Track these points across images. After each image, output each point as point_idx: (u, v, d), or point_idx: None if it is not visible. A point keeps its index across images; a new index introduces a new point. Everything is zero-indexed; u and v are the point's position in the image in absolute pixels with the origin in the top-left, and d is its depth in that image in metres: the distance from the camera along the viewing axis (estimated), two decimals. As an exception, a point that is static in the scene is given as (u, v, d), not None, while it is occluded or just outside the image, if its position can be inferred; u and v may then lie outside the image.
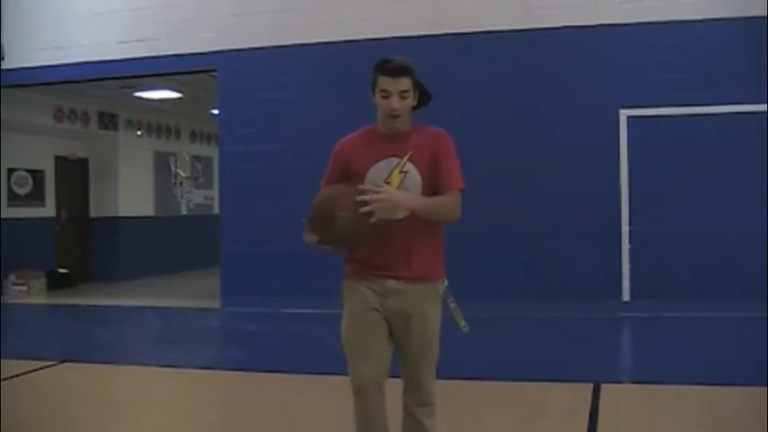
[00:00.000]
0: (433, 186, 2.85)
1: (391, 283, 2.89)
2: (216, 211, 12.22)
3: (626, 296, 8.40)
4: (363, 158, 2.90)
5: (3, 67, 10.20)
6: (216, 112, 10.93)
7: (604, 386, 5.08)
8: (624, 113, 8.43)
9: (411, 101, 2.86)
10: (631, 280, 8.38)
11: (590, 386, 5.04)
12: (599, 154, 8.50)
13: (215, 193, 14.35)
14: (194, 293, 11.19)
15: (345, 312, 2.95)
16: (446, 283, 2.99)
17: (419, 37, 8.60)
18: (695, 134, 8.23)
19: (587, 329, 7.59)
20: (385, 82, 2.82)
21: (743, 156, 8.09)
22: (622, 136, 8.44)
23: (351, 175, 2.91)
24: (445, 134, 2.95)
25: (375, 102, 2.88)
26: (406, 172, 2.86)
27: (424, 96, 2.95)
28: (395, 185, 2.83)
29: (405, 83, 2.83)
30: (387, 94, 2.83)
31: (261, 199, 9.43)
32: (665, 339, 7.11)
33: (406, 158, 2.86)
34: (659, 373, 5.60)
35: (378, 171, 2.87)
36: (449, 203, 2.83)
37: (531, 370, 5.73)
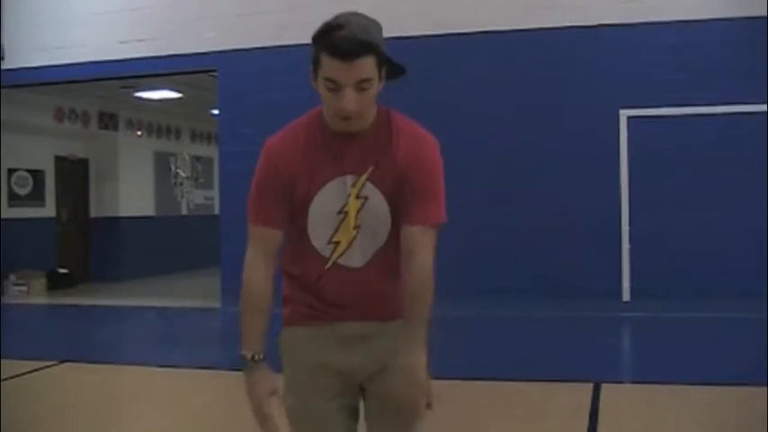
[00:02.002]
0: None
1: (357, 327, 1.97)
2: (216, 211, 12.22)
3: (626, 296, 8.40)
4: (309, 176, 1.90)
5: (3, 67, 10.20)
6: (216, 112, 10.93)
7: (604, 386, 5.08)
8: (624, 113, 8.43)
9: (376, 89, 1.83)
10: (631, 280, 8.38)
11: (590, 386, 5.04)
12: (599, 154, 8.50)
13: (215, 193, 14.33)
14: (194, 293, 11.18)
15: (287, 377, 2.03)
16: None
17: (419, 37, 8.60)
18: (695, 134, 8.23)
19: (587, 329, 7.58)
20: (332, 67, 1.77)
21: (743, 156, 8.09)
22: (622, 136, 8.44)
23: (294, 201, 1.93)
24: (428, 141, 1.94)
25: (316, 89, 1.86)
26: (365, 198, 1.89)
27: (392, 70, 1.90)
28: (352, 217, 1.90)
29: (365, 67, 1.77)
30: (336, 86, 1.78)
31: (261, 199, 9.42)
32: (665, 339, 7.11)
33: (364, 177, 1.89)
34: (659, 373, 5.59)
35: (326, 200, 1.90)
36: (423, 285, 1.84)
37: (532, 370, 5.73)
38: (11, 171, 11.83)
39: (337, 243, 1.93)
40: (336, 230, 1.92)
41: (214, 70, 9.71)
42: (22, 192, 12.10)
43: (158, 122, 14.42)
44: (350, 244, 1.93)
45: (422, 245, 1.86)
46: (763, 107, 7.92)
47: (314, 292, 1.98)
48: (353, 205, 1.90)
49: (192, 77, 10.45)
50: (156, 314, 9.87)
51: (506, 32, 8.68)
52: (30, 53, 10.11)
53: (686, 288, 8.09)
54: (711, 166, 8.19)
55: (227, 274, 9.63)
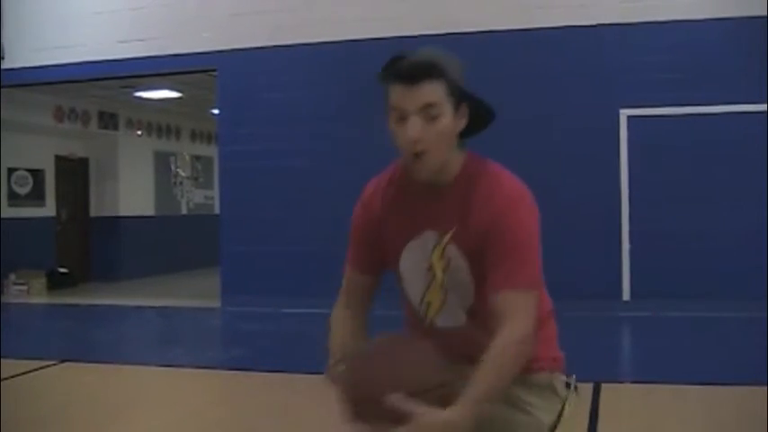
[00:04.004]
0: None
1: None
2: (216, 210, 12.22)
3: (626, 296, 8.40)
4: (397, 228, 1.79)
5: (3, 66, 10.20)
6: (216, 112, 10.93)
7: (604, 386, 5.08)
8: (624, 113, 8.43)
9: (451, 121, 1.67)
10: (631, 280, 8.38)
11: (590, 386, 5.04)
12: (599, 154, 8.50)
13: (215, 192, 14.34)
14: (194, 293, 11.19)
15: None
16: (572, 380, 1.88)
17: (419, 37, 8.59)
18: (695, 134, 8.22)
19: (587, 329, 7.58)
20: (396, 94, 1.66)
21: (743, 156, 8.09)
22: (622, 136, 8.44)
23: (386, 256, 1.83)
24: (523, 202, 1.73)
25: (391, 133, 1.71)
26: (448, 259, 1.74)
27: (479, 111, 1.76)
28: (439, 277, 1.76)
29: (430, 92, 1.64)
30: (402, 115, 1.65)
31: (261, 199, 9.43)
32: (665, 339, 7.11)
33: (447, 237, 1.72)
34: (659, 373, 5.60)
35: (415, 252, 1.77)
36: (504, 353, 1.57)
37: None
38: (11, 170, 11.83)
39: (429, 303, 1.81)
40: (427, 289, 1.80)
41: (214, 70, 9.70)
42: (22, 191, 12.10)
43: (158, 122, 14.42)
44: (441, 302, 1.78)
45: (512, 311, 1.61)
46: (763, 107, 7.92)
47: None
48: (438, 265, 1.75)
49: (192, 77, 10.45)
50: (156, 314, 9.87)
51: (506, 32, 8.67)
52: (30, 53, 10.10)
53: (686, 288, 8.09)
54: (712, 165, 8.18)
55: (227, 273, 9.64)
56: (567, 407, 1.84)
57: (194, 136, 15.60)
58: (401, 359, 1.56)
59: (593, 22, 8.48)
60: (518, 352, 1.60)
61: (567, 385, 1.88)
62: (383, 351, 1.61)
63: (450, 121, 1.67)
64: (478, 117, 1.76)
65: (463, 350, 1.70)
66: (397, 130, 1.66)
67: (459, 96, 1.69)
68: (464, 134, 1.76)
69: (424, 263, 1.76)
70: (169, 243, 14.10)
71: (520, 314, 1.62)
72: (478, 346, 1.62)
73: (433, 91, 1.64)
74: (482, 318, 1.70)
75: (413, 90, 1.63)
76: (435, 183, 1.73)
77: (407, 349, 1.60)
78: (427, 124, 1.64)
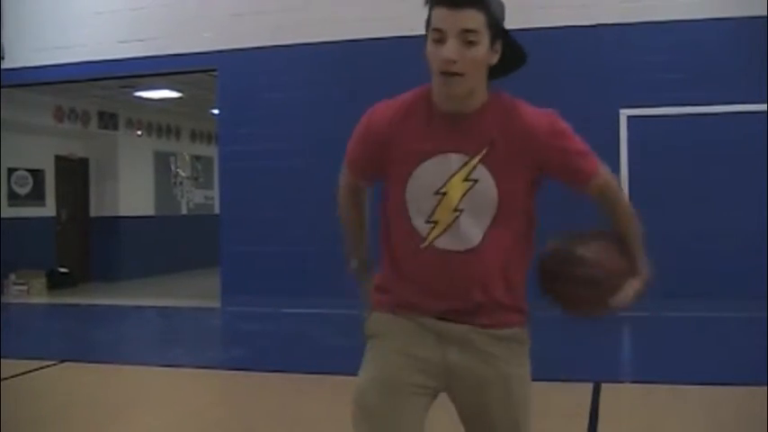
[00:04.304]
0: (512, 204, 1.85)
1: (459, 329, 1.87)
2: (216, 210, 12.22)
3: (626, 296, 8.39)
4: (408, 147, 1.84)
5: (3, 67, 10.20)
6: (216, 112, 10.93)
7: (604, 386, 5.08)
8: (624, 113, 8.42)
9: (486, 52, 1.76)
10: (631, 280, 8.37)
11: (590, 386, 5.04)
12: (599, 154, 8.44)
13: (215, 193, 14.33)
14: (194, 293, 11.19)
15: (367, 364, 1.93)
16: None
17: (419, 37, 8.57)
18: (695, 134, 8.22)
19: (587, 329, 7.57)
20: (438, 16, 1.74)
21: (743, 156, 8.09)
22: (622, 136, 8.43)
23: (386, 168, 1.90)
24: (549, 112, 1.90)
25: (427, 55, 1.80)
26: (474, 181, 1.81)
27: (511, 53, 1.85)
28: (453, 199, 1.82)
29: (471, 18, 1.71)
30: (441, 37, 1.74)
31: (261, 199, 9.43)
32: (665, 339, 7.11)
33: (477, 159, 1.81)
34: (659, 373, 5.60)
35: (429, 173, 1.83)
36: (631, 216, 1.98)
37: (531, 370, 5.72)
38: (11, 170, 11.83)
39: (435, 223, 1.85)
40: (434, 211, 1.84)
41: (214, 70, 9.71)
42: (22, 191, 12.10)
43: (158, 122, 14.43)
44: (448, 226, 1.84)
45: (613, 190, 1.96)
46: (763, 107, 7.92)
47: (411, 278, 1.89)
48: (459, 187, 1.81)
49: (192, 77, 10.45)
50: (156, 314, 9.87)
51: (506, 32, 8.67)
52: (30, 53, 10.10)
53: (686, 288, 8.09)
54: (712, 165, 8.18)
55: (227, 273, 9.64)
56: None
57: (194, 136, 15.60)
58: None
59: (593, 22, 8.48)
60: (637, 219, 1.95)
61: None
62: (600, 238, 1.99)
63: (485, 50, 1.76)
64: (511, 59, 1.86)
65: (457, 277, 1.85)
66: (434, 51, 1.75)
67: (497, 32, 1.78)
68: (494, 73, 1.84)
69: (436, 185, 1.82)
70: (169, 243, 14.10)
71: (619, 191, 2.00)
72: (474, 278, 1.84)
73: (474, 18, 1.72)
74: (498, 240, 1.85)
75: (455, 14, 1.71)
76: (460, 111, 1.82)
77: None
78: (464, 48, 1.73)
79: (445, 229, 1.84)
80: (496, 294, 1.87)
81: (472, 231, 1.84)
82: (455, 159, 1.81)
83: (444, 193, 1.82)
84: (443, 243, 1.85)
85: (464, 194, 1.81)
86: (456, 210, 1.83)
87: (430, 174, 1.82)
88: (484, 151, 1.80)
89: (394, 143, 1.85)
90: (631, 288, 1.95)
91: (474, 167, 1.81)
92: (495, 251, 1.85)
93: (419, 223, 1.86)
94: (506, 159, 1.81)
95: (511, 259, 1.90)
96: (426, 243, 1.85)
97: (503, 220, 1.85)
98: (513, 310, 1.92)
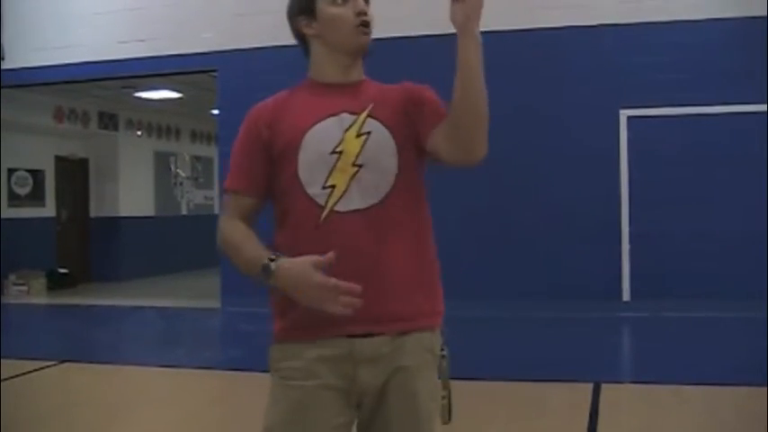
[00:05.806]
0: (409, 150, 1.85)
1: (369, 346, 1.78)
2: (216, 211, 12.22)
3: (626, 296, 8.40)
4: (297, 119, 1.85)
5: (3, 67, 10.20)
6: (216, 112, 10.93)
7: (604, 386, 5.08)
8: (624, 113, 8.43)
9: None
10: (631, 280, 8.38)
11: (590, 386, 5.04)
12: (599, 154, 8.50)
13: (215, 193, 14.34)
14: (194, 293, 11.19)
15: (273, 399, 1.84)
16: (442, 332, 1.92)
17: (419, 37, 8.60)
18: (695, 134, 8.23)
19: (587, 329, 7.58)
20: None
21: (743, 156, 8.09)
22: (622, 136, 8.44)
23: (277, 153, 1.85)
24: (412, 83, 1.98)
25: (315, 27, 1.90)
26: (367, 133, 1.83)
27: None
28: (351, 155, 1.80)
29: None
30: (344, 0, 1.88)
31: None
32: (665, 339, 7.11)
33: (365, 114, 1.85)
34: (659, 373, 5.59)
35: (322, 134, 1.82)
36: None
37: (532, 370, 5.73)
38: (11, 171, 11.83)
39: (333, 187, 1.79)
40: (331, 173, 1.80)
41: (214, 70, 9.70)
42: (22, 191, 12.10)
43: (158, 122, 14.43)
44: (348, 184, 1.79)
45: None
46: (763, 107, 7.92)
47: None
48: (355, 142, 1.80)
49: (192, 77, 10.45)
50: (156, 314, 9.87)
51: (506, 32, 8.66)
52: (30, 53, 10.10)
53: (686, 288, 8.09)
54: (712, 165, 8.18)
55: (227, 274, 9.63)
56: (443, 362, 1.87)
57: (194, 136, 15.61)
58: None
59: (593, 22, 8.49)
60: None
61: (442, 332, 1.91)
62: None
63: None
64: None
65: (367, 238, 1.77)
66: (340, 11, 1.86)
67: None
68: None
69: (329, 145, 1.81)
70: (169, 243, 14.09)
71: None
72: (385, 233, 1.78)
73: None
74: (404, 193, 1.83)
75: None
76: (345, 81, 1.90)
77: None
78: (366, 5, 1.90)
79: (346, 190, 1.80)
80: (409, 270, 1.80)
81: (376, 184, 1.81)
82: (345, 118, 1.84)
83: (341, 152, 1.80)
84: (344, 205, 1.79)
85: (361, 148, 1.81)
86: (355, 165, 1.81)
87: (322, 136, 1.82)
88: (370, 106, 1.85)
89: (280, 128, 1.84)
90: None
91: (364, 121, 1.83)
92: (403, 211, 1.83)
93: (315, 190, 1.80)
94: (393, 111, 1.86)
95: (420, 230, 1.86)
96: (326, 211, 1.79)
97: (405, 172, 1.84)
98: (427, 297, 1.85)
